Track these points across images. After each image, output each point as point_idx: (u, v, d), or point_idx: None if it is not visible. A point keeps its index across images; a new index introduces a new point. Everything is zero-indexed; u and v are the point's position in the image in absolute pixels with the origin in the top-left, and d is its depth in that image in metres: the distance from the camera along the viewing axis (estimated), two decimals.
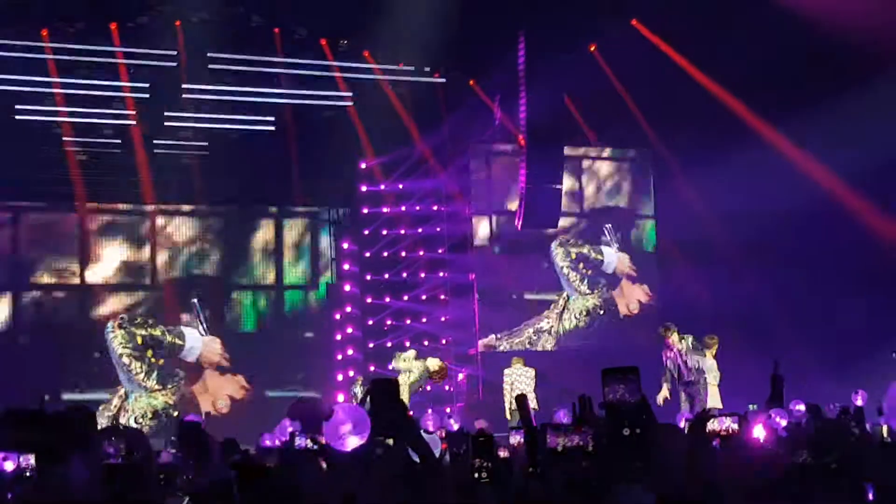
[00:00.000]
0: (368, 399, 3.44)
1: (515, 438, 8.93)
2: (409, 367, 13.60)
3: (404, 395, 12.29)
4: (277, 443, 8.90)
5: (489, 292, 17.52)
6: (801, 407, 9.29)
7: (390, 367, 14.08)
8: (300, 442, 5.47)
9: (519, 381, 14.26)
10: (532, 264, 18.00)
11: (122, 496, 3.74)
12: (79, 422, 4.09)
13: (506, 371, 14.63)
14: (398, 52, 16.21)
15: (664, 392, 12.61)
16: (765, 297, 16.15)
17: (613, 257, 18.21)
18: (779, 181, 15.60)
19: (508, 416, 13.75)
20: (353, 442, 6.29)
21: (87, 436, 3.96)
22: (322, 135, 16.40)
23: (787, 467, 4.56)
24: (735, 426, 6.77)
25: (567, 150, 16.42)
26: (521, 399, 10.26)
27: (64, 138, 15.40)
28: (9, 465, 4.66)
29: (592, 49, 16.71)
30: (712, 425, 7.20)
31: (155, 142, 15.78)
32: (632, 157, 18.94)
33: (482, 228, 17.84)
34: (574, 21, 14.65)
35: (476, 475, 5.66)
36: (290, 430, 9.33)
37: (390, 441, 3.99)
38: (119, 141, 15.63)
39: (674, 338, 12.71)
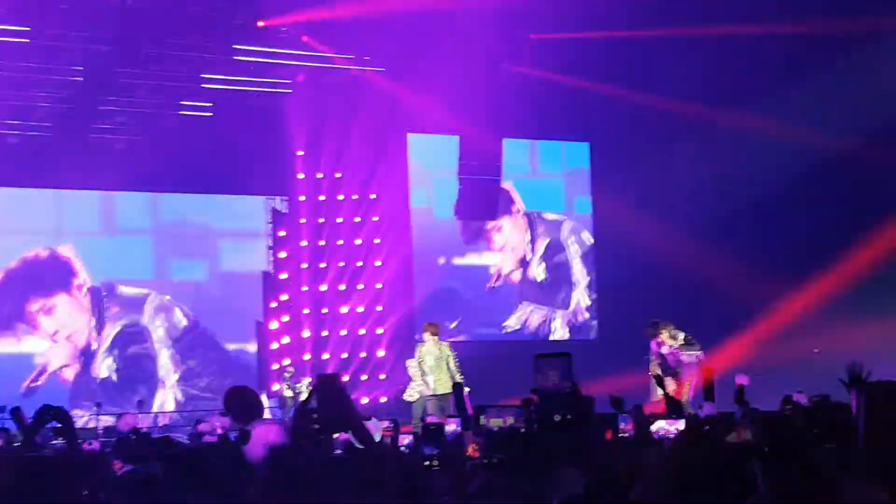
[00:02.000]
0: (314, 394, 3.50)
1: (451, 426, 9.03)
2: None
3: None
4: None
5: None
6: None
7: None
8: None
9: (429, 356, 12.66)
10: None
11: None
12: None
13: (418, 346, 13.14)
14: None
15: (671, 384, 11.78)
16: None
17: None
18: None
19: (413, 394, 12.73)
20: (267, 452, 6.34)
21: None
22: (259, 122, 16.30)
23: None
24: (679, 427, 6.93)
25: None
26: (458, 387, 10.34)
27: None
28: None
29: None
30: (657, 426, 7.37)
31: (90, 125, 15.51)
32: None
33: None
34: None
35: (427, 462, 5.72)
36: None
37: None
38: (50, 124, 15.31)
39: (664, 336, 12.59)
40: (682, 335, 12.61)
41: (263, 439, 4.22)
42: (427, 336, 12.82)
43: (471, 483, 5.19)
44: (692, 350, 12.53)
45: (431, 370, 12.38)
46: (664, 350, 12.50)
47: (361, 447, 3.93)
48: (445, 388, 11.95)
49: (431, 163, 17.84)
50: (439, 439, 7.24)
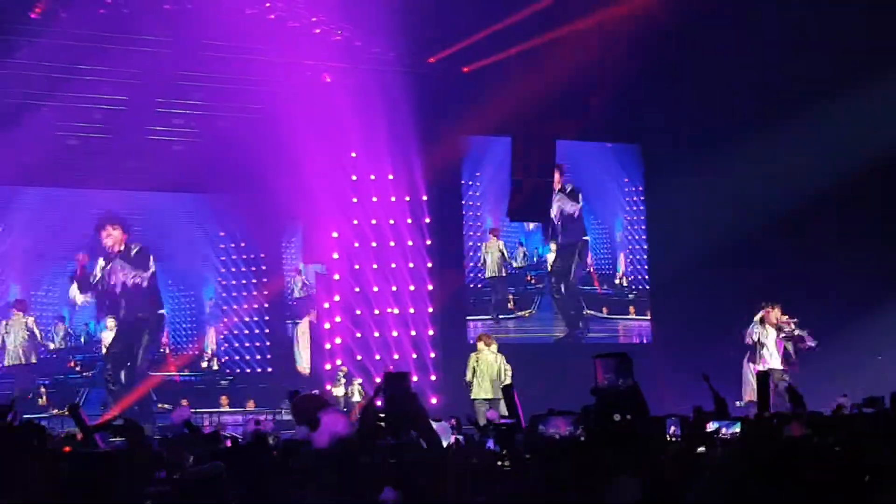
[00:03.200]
0: (382, 391, 3.48)
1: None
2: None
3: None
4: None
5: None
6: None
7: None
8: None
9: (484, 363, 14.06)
10: None
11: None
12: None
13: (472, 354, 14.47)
14: None
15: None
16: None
17: None
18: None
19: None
20: (333, 441, 6.36)
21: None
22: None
23: None
24: (736, 430, 6.84)
25: None
26: (508, 390, 10.31)
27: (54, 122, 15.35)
28: None
29: None
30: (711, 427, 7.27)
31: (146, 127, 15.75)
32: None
33: None
34: None
35: (500, 463, 5.71)
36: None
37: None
38: (109, 126, 15.56)
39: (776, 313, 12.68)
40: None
41: (331, 428, 4.24)
42: (482, 345, 14.20)
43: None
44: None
45: (490, 378, 13.70)
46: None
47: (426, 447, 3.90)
48: (495, 393, 13.23)
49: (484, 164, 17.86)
50: (511, 440, 7.17)
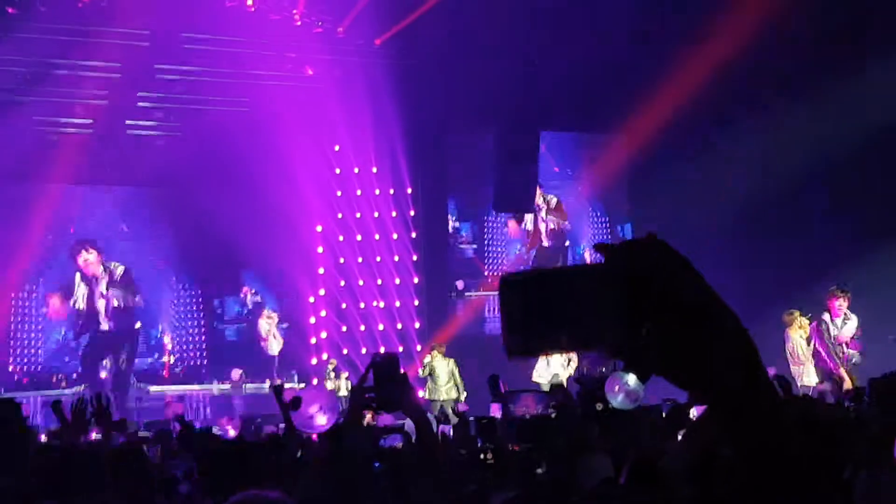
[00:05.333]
0: (371, 374, 3.41)
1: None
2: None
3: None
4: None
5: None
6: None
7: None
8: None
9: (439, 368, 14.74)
10: None
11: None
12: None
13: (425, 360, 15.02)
14: None
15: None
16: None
17: None
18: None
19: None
20: (321, 421, 6.34)
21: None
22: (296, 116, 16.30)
23: None
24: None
25: None
26: (494, 380, 10.26)
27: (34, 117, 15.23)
28: None
29: None
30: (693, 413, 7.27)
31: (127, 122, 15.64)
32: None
33: None
34: None
35: (482, 456, 5.69)
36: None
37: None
38: (90, 120, 15.45)
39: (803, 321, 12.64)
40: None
41: (313, 402, 4.19)
42: (436, 352, 14.88)
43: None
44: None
45: (440, 379, 14.58)
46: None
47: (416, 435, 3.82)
48: (452, 395, 14.41)
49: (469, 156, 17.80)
50: (492, 433, 7.17)
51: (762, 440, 1.10)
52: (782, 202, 16.03)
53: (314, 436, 8.11)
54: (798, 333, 12.57)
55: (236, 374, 16.45)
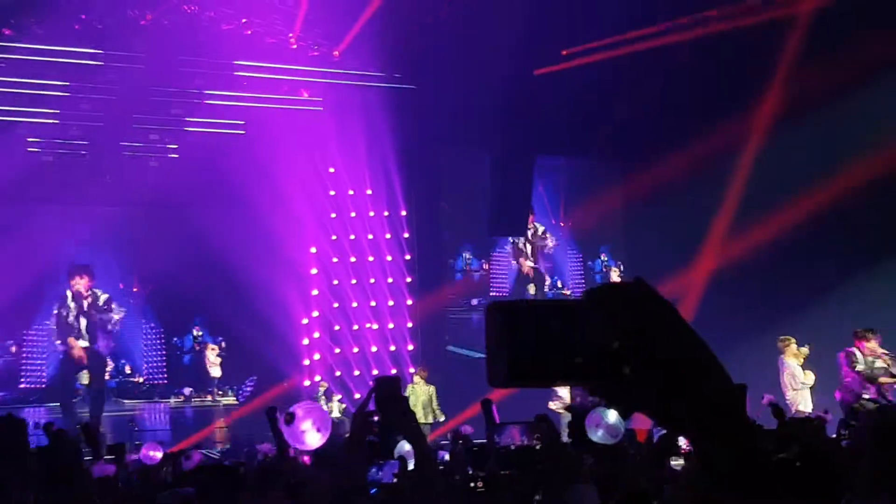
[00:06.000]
0: (372, 396, 3.39)
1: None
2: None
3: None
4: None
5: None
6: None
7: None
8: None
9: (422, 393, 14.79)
10: None
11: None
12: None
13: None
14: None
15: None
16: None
17: None
18: None
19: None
20: (314, 439, 6.29)
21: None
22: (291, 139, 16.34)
23: None
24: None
25: None
26: (487, 404, 10.27)
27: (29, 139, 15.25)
28: None
29: None
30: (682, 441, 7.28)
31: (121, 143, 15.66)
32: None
33: None
34: None
35: (472, 484, 5.68)
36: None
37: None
38: (85, 142, 15.47)
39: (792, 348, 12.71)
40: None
41: (305, 418, 4.17)
42: (418, 378, 14.98)
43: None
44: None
45: (422, 405, 14.57)
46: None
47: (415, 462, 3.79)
48: (429, 419, 14.54)
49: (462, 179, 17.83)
50: (484, 461, 7.14)
51: (745, 483, 1.13)
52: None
53: (305, 458, 8.07)
54: (793, 360, 12.56)
55: (187, 390, 17.17)
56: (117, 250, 16.41)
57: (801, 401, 12.38)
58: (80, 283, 16.41)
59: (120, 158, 15.58)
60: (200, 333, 17.46)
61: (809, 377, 12.53)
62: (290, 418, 5.98)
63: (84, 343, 16.33)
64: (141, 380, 17.23)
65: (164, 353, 17.32)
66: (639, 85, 16.02)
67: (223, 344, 17.42)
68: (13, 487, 3.81)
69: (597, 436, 5.74)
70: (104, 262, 16.50)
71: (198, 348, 17.48)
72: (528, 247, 18.65)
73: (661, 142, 16.51)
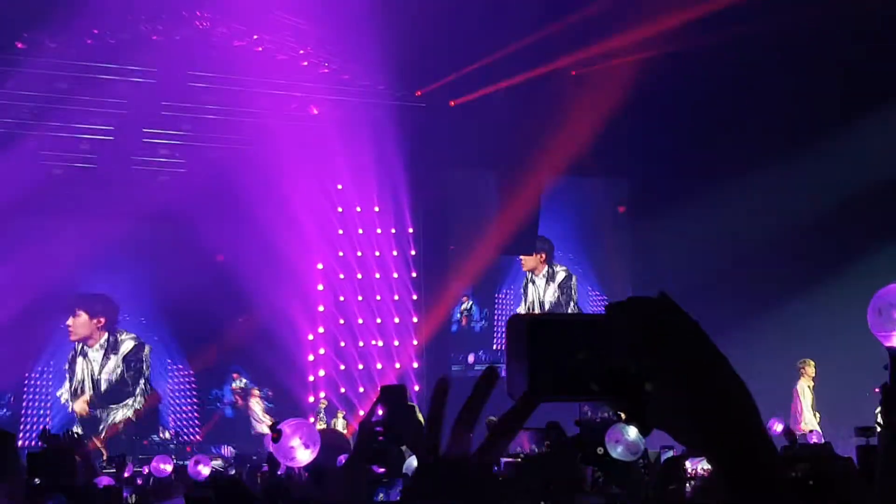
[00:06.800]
0: (379, 405, 3.35)
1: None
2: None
3: None
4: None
5: None
6: (779, 427, 9.40)
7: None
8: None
9: None
10: None
11: None
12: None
13: None
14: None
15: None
16: None
17: None
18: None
19: None
20: (303, 455, 6.26)
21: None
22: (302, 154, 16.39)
23: None
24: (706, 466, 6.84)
25: None
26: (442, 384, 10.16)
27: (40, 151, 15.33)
28: None
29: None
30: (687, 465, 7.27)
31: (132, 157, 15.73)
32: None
33: None
34: None
35: None
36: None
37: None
38: (95, 155, 15.55)
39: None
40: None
41: (293, 435, 4.17)
42: None
43: None
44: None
45: None
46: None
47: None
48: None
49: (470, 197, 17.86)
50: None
51: (765, 501, 1.13)
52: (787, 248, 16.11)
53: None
54: (807, 384, 12.58)
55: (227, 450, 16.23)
56: (127, 268, 16.40)
57: (810, 425, 12.37)
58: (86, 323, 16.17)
59: (129, 172, 15.63)
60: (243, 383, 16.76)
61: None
62: (278, 435, 5.96)
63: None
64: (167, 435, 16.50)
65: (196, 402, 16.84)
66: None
67: (270, 394, 17.01)
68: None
69: (616, 452, 5.72)
70: (113, 283, 16.47)
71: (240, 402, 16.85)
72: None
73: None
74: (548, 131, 16.02)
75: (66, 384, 16.20)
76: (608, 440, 5.62)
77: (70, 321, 16.26)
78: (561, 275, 18.66)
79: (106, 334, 16.49)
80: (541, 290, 18.54)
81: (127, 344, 16.62)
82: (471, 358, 17.93)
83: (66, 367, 16.24)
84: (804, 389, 12.58)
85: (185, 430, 16.86)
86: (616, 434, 5.70)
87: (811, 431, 11.95)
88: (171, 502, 4.16)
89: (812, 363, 12.79)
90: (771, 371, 13.27)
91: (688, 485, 7.24)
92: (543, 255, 18.46)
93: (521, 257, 18.28)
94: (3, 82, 14.59)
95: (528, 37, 15.05)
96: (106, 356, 16.45)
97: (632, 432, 5.87)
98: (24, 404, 15.81)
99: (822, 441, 10.64)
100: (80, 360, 16.31)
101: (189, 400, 17.04)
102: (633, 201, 18.78)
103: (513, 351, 1.13)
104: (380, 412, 3.30)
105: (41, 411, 15.92)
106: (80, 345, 16.35)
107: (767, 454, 1.15)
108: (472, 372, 17.41)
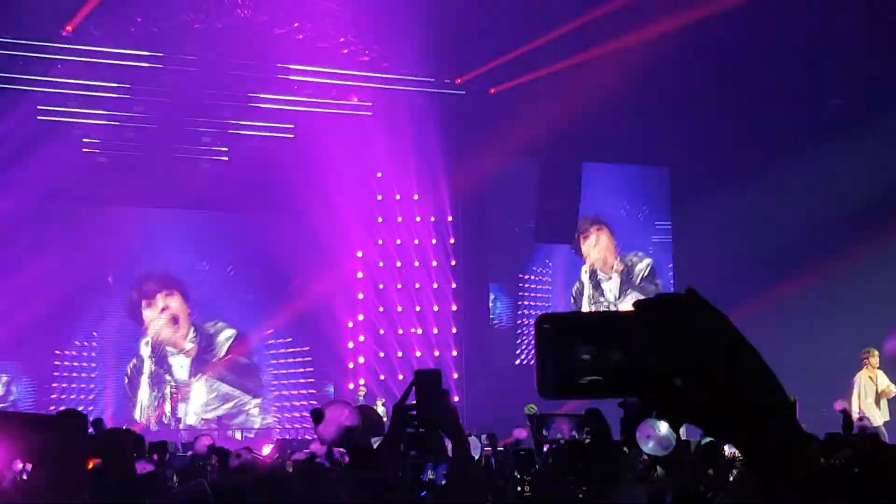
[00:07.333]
0: (412, 389, 3.34)
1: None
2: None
3: None
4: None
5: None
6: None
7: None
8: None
9: None
10: None
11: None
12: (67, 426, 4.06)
13: None
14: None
15: None
16: None
17: None
18: None
19: None
20: (343, 436, 6.30)
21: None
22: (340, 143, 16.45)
23: None
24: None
25: None
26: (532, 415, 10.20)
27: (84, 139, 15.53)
28: None
29: None
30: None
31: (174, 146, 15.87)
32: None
33: None
34: None
35: (518, 488, 5.64)
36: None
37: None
38: (139, 143, 15.71)
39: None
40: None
41: (337, 420, 4.18)
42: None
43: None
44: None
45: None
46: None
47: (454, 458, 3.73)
48: None
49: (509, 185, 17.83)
50: (530, 464, 7.10)
51: (799, 493, 1.12)
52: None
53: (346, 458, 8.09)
54: (868, 374, 12.36)
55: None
56: (169, 255, 16.59)
57: (872, 414, 12.16)
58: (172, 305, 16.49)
59: (172, 160, 15.78)
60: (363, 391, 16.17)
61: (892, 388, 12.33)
62: (319, 416, 5.97)
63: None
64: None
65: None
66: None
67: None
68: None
69: (648, 447, 5.69)
70: (156, 269, 16.67)
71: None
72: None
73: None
74: (587, 119, 15.91)
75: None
76: (639, 437, 5.59)
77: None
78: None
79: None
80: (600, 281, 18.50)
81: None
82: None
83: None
84: (864, 380, 12.32)
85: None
86: (647, 429, 5.67)
87: (861, 418, 11.73)
88: (193, 483, 4.19)
89: (876, 352, 12.47)
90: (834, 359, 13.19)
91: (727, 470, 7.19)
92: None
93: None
94: (49, 70, 14.78)
95: (568, 24, 14.97)
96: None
97: (663, 427, 5.83)
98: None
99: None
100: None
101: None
102: (673, 189, 18.64)
103: (541, 351, 1.13)
104: (413, 396, 3.30)
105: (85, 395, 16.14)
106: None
107: (801, 443, 1.14)
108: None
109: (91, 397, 15.92)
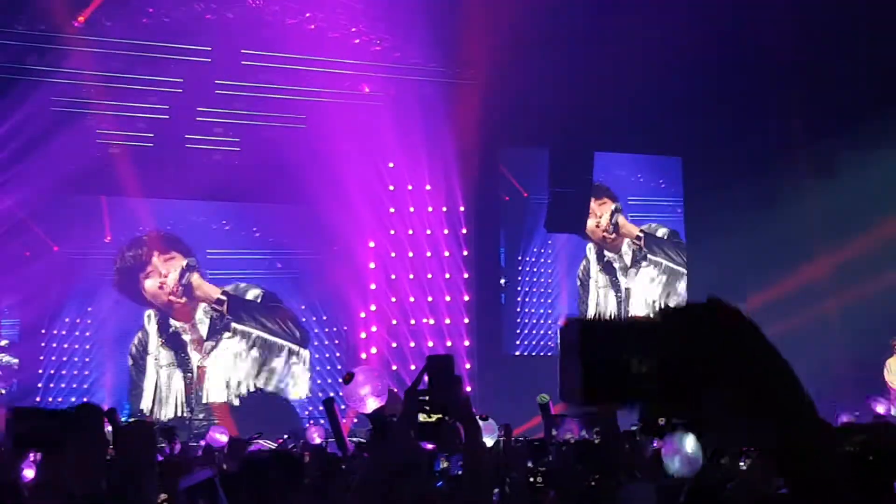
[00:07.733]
0: (424, 375, 3.33)
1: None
2: None
3: None
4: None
5: None
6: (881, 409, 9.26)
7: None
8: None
9: None
10: None
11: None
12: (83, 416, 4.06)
13: None
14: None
15: None
16: None
17: None
18: None
19: None
20: (371, 404, 6.32)
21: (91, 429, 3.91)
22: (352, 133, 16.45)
23: None
24: None
25: None
26: (546, 407, 10.24)
27: (97, 130, 15.56)
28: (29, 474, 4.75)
29: None
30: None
31: (186, 136, 15.90)
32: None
33: None
34: None
35: (532, 479, 5.62)
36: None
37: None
38: (151, 134, 15.74)
39: None
40: None
41: (364, 385, 4.17)
42: None
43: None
44: None
45: None
46: None
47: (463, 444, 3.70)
48: None
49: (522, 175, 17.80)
50: (543, 456, 7.08)
51: (817, 479, 1.11)
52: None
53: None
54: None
55: None
56: (182, 245, 16.64)
57: None
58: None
59: (184, 151, 15.81)
60: None
61: None
62: (350, 378, 6.00)
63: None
64: None
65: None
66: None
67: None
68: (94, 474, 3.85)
69: (674, 466, 5.46)
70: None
71: None
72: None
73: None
74: (600, 109, 15.86)
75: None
76: (664, 453, 5.42)
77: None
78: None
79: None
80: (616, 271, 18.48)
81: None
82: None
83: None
84: (892, 366, 12.31)
85: None
86: (673, 447, 5.41)
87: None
88: (198, 474, 4.17)
89: None
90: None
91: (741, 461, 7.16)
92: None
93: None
94: (61, 61, 14.80)
95: (582, 13, 14.92)
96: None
97: (690, 444, 5.59)
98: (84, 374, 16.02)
99: None
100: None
101: None
102: (686, 179, 18.57)
103: (565, 355, 1.11)
104: (426, 381, 3.29)
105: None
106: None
107: (824, 441, 1.13)
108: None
109: (85, 386, 15.88)
